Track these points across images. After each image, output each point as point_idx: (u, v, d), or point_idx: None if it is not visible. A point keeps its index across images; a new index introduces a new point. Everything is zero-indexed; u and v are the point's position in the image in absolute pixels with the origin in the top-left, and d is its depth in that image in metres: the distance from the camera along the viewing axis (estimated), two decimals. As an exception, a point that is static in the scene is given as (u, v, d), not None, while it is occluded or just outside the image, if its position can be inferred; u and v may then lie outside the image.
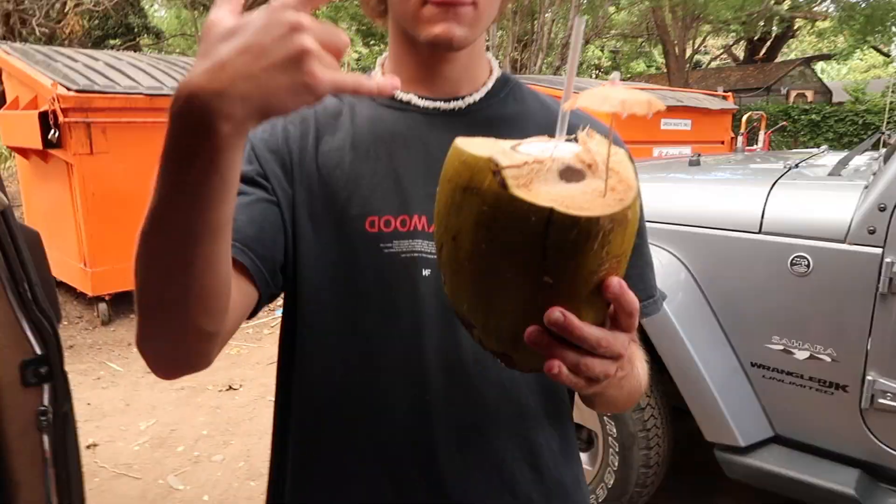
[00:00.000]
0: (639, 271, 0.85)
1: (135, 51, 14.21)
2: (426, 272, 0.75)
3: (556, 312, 0.47)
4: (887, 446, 1.86)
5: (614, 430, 2.27)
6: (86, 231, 4.49)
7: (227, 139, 0.46)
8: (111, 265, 4.57)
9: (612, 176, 0.47)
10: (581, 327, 0.47)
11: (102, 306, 4.77)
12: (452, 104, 0.80)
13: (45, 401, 0.98)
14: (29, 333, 0.98)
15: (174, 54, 16.06)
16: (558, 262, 0.46)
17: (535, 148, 0.51)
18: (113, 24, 15.45)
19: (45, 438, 1.02)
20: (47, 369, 0.98)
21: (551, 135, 0.54)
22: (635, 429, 2.24)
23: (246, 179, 0.74)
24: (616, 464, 2.30)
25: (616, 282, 0.47)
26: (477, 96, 0.82)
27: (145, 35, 16.78)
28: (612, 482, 2.31)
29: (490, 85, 0.83)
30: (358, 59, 23.25)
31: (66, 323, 4.76)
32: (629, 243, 0.49)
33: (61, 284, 4.81)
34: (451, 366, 0.76)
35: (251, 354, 4.33)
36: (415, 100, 0.80)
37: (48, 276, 1.13)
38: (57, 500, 1.07)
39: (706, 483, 2.64)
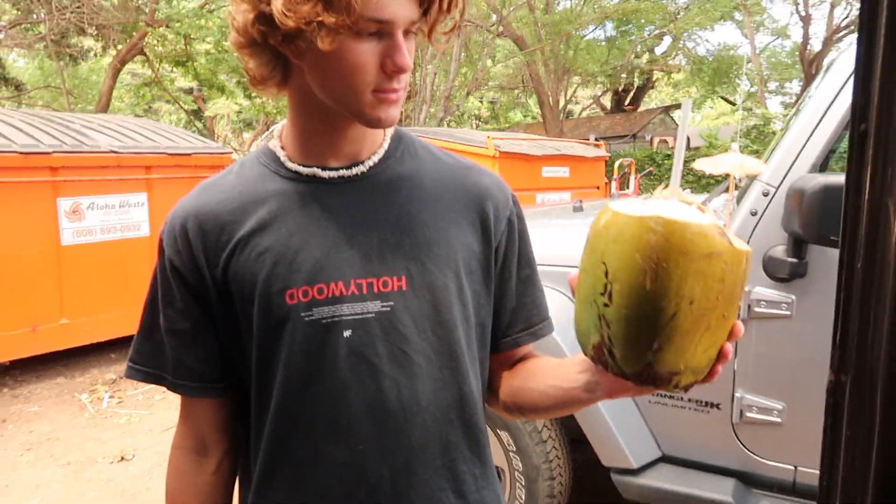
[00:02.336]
0: (532, 298, 0.98)
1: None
2: (347, 333, 0.83)
3: (740, 323, 0.67)
4: (756, 455, 2.10)
5: (520, 465, 2.39)
6: (-49, 300, 4.16)
7: None
8: (-19, 335, 4.24)
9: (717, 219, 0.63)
10: None
11: (-30, 381, 4.40)
12: (354, 170, 0.88)
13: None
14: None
15: (37, 107, 15.19)
16: (744, 288, 0.63)
17: (671, 206, 0.63)
18: (-35, 75, 14.48)
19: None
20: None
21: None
22: (539, 461, 2.37)
23: (176, 316, 0.88)
24: (523, 497, 2.41)
25: None
26: (375, 158, 0.89)
27: (3, 87, 15.80)
28: (520, 515, 2.42)
29: (386, 145, 0.91)
30: (239, 112, 22.92)
31: (-75, 402, 4.34)
32: None
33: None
34: (378, 416, 0.84)
35: (143, 422, 4.12)
36: (319, 172, 0.87)
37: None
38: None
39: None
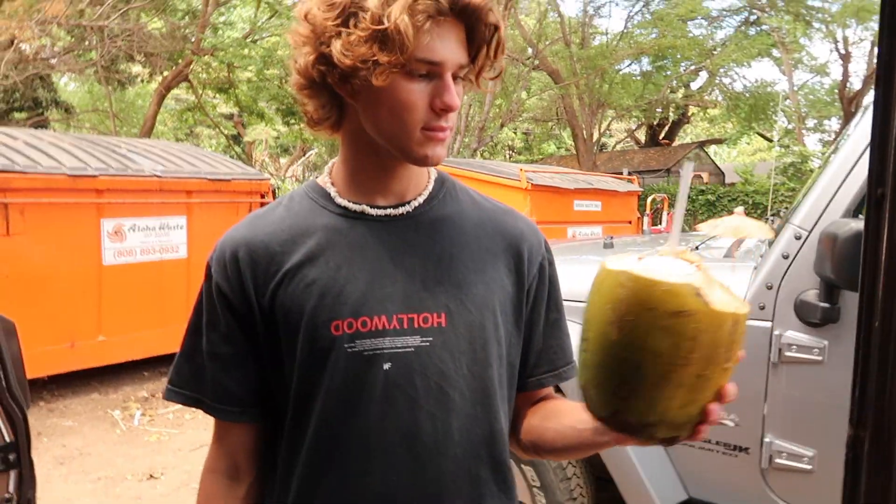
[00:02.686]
0: (559, 341, 1.00)
1: (43, 126, 13.86)
2: (387, 365, 0.86)
3: (732, 387, 0.65)
4: (786, 502, 2.05)
5: (543, 501, 2.38)
6: (-4, 314, 4.30)
7: None
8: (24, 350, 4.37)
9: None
10: None
11: (9, 393, 4.52)
12: (400, 209, 0.92)
13: (11, 487, 1.00)
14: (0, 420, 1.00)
15: (85, 129, 15.71)
16: (734, 350, 0.63)
17: (664, 262, 0.64)
18: (19, 97, 15.04)
19: (7, 526, 1.02)
20: (15, 456, 1.00)
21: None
22: (563, 498, 2.35)
23: (219, 341, 0.91)
24: (546, 534, 2.39)
25: None
26: (420, 199, 0.93)
27: (54, 109, 16.38)
28: (543, 552, 2.40)
29: (430, 188, 0.95)
30: (277, 138, 23.43)
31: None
32: None
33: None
34: (412, 445, 0.87)
35: (172, 441, 4.19)
36: (367, 209, 0.91)
37: (20, 364, 1.17)
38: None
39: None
